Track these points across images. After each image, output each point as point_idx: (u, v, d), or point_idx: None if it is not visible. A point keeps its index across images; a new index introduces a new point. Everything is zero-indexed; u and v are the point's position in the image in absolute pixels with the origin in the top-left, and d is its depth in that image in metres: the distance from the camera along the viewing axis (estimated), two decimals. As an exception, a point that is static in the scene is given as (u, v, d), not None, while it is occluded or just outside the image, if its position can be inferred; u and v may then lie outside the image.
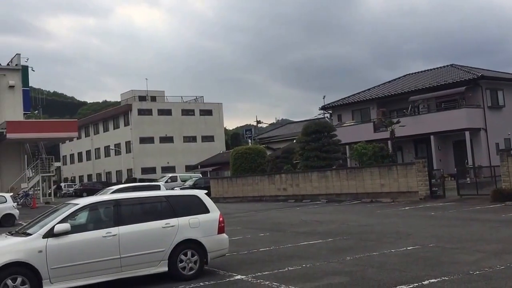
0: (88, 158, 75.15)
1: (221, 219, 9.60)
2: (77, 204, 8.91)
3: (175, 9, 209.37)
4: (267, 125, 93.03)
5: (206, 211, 9.55)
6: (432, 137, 34.02)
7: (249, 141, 61.10)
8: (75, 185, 61.49)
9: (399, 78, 43.78)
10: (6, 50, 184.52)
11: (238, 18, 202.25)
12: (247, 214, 23.02)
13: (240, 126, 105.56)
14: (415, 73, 43.15)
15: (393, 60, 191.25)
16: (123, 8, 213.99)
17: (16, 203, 24.46)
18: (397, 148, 35.96)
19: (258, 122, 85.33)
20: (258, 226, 17.13)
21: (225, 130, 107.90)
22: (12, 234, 8.84)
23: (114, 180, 64.79)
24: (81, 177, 75.68)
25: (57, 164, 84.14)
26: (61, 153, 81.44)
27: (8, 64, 35.71)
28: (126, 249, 8.56)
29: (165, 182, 43.49)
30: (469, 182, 26.34)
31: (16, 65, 35.62)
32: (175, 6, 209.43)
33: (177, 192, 10.52)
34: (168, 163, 65.61)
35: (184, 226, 9.13)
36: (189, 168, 62.66)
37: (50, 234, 8.18)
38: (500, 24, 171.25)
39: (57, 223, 8.30)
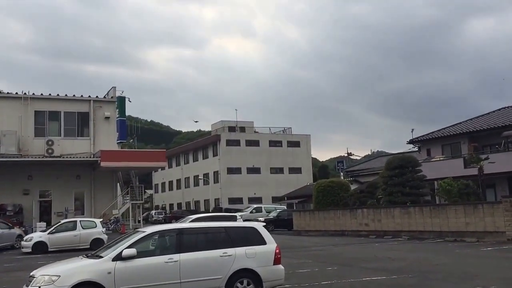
0: (178, 187, 78.05)
1: (277, 250, 10.00)
2: (144, 231, 9.65)
3: (269, 39, 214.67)
4: (361, 157, 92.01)
5: (263, 242, 10.00)
6: (526, 175, 32.27)
7: (341, 173, 60.77)
8: (165, 212, 64.04)
9: (493, 111, 42.02)
10: (110, 80, 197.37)
11: (332, 47, 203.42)
12: (324, 248, 23.00)
13: (334, 158, 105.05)
14: (510, 106, 41.27)
15: (501, 89, 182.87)
16: (219, 39, 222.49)
17: (105, 229, 26.08)
18: (490, 185, 34.39)
19: (349, 154, 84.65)
20: (330, 260, 17.15)
21: (317, 161, 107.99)
22: (87, 257, 9.72)
23: (202, 209, 66.74)
24: (171, 205, 78.63)
25: (149, 192, 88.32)
26: (153, 181, 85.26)
27: (104, 97, 38.38)
28: (186, 275, 9.16)
29: (250, 212, 44.34)
30: None
31: (111, 97, 38.25)
32: (269, 36, 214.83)
33: (236, 223, 11.04)
34: (255, 193, 66.60)
35: (240, 255, 9.61)
36: (276, 200, 63.21)
37: (118, 257, 8.96)
38: None
39: (125, 248, 9.08)
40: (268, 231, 30.37)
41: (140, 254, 9.12)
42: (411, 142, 44.28)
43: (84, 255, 9.97)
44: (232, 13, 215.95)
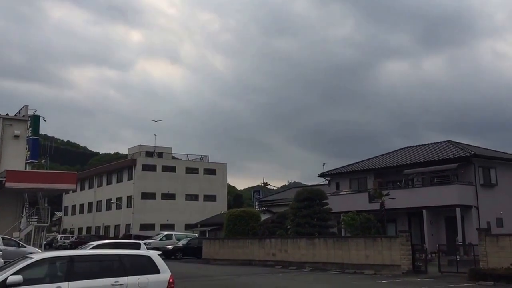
0: (89, 211, 75.65)
1: (171, 280, 10.10)
2: (33, 258, 9.47)
3: (195, 67, 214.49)
4: (277, 187, 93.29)
5: (157, 271, 10.08)
6: (424, 211, 34.20)
7: (256, 203, 61.45)
8: (72, 237, 61.73)
9: (396, 150, 44.41)
10: (28, 97, 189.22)
11: (257, 79, 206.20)
12: (227, 277, 23.18)
13: (252, 187, 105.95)
14: (412, 146, 43.86)
15: (412, 130, 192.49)
16: (145, 62, 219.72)
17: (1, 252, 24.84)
18: (392, 220, 36.16)
19: (265, 184, 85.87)
20: (230, 290, 17.40)
21: (235, 189, 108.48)
22: (-32, 283, 9.37)
23: (111, 234, 65.03)
24: (80, 229, 75.89)
25: (58, 214, 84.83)
26: (63, 203, 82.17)
27: (15, 115, 37.07)
28: (74, 304, 9.04)
29: (160, 239, 43.72)
30: (458, 259, 26.34)
31: (23, 116, 36.99)
32: (195, 64, 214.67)
33: (131, 251, 11.05)
34: (168, 220, 65.84)
35: (133, 285, 9.63)
36: (189, 227, 62.71)
37: (2, 285, 8.67)
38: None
39: (10, 275, 8.82)
40: (177, 259, 30.29)
41: (27, 282, 8.88)
42: (322, 175, 45.80)
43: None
44: (160, 38, 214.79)
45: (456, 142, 40.00)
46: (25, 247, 27.99)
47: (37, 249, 28.35)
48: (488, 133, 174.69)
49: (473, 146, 40.30)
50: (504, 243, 21.30)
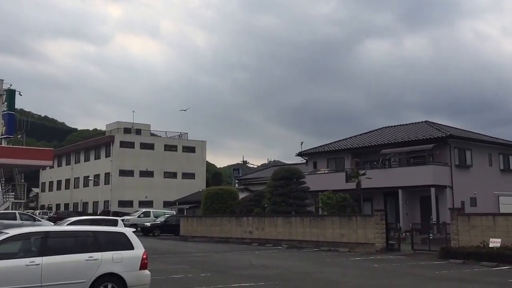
0: (67, 187, 75.15)
1: (144, 256, 10.24)
2: (7, 233, 9.52)
3: (175, 42, 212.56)
4: (257, 166, 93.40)
5: (131, 247, 10.20)
6: (400, 191, 34.70)
7: (236, 181, 61.64)
8: (50, 212, 61.38)
9: (375, 130, 44.77)
10: (2, 70, 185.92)
11: (237, 56, 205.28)
12: (204, 254, 23.41)
13: (232, 164, 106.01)
14: (390, 126, 44.22)
15: (393, 110, 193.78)
16: (123, 37, 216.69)
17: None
18: (368, 199, 36.64)
19: (245, 162, 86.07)
20: (206, 267, 17.58)
21: (214, 167, 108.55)
22: None
23: (90, 211, 64.80)
24: (58, 206, 75.43)
25: (35, 190, 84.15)
26: (40, 179, 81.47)
27: (-11, 89, 36.57)
28: (47, 279, 9.15)
29: (138, 216, 43.80)
30: (431, 237, 26.92)
31: (-3, 90, 36.52)
32: (174, 39, 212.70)
33: (105, 228, 11.14)
34: (146, 197, 65.79)
35: (107, 260, 9.75)
36: (167, 204, 62.81)
37: (-24, 259, 8.76)
38: (499, 86, 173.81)
39: (-16, 250, 8.89)
40: (155, 236, 30.42)
41: (2, 256, 9.02)
42: (300, 154, 45.99)
43: None
44: (139, 12, 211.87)
45: (433, 123, 40.46)
46: (40, 220, 30.46)
47: (50, 222, 30.26)
48: (468, 114, 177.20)
49: (450, 127, 40.82)
50: (475, 222, 21.84)
